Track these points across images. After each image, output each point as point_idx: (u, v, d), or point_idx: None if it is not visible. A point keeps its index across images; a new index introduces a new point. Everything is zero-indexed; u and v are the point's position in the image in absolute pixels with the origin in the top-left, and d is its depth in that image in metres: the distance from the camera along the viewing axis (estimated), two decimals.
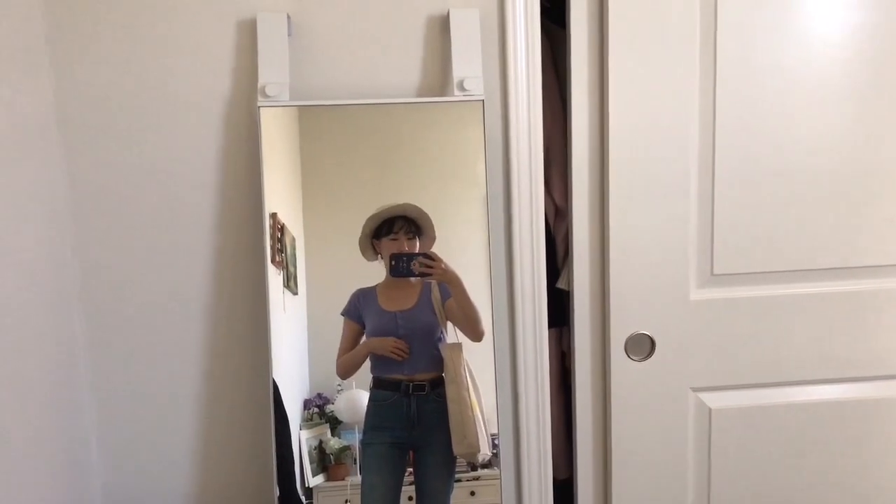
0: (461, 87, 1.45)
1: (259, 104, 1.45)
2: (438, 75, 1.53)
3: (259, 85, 1.44)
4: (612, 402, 1.63)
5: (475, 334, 1.48)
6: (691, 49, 1.51)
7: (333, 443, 1.52)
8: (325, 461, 1.52)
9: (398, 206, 1.47)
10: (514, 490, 1.66)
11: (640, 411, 1.64)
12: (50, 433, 1.44)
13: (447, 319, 1.48)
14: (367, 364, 1.50)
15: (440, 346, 1.48)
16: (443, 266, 1.45)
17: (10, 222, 1.32)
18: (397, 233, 1.47)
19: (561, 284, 1.71)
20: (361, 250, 1.48)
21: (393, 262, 1.46)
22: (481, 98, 1.46)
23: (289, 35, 1.47)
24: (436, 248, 1.48)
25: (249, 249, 1.56)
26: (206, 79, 1.50)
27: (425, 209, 1.48)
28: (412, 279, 1.47)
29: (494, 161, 1.54)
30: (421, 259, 1.45)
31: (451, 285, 1.45)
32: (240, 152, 1.53)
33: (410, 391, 1.47)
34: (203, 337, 1.59)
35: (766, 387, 1.65)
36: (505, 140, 1.54)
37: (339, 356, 1.49)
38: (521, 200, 1.55)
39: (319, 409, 1.52)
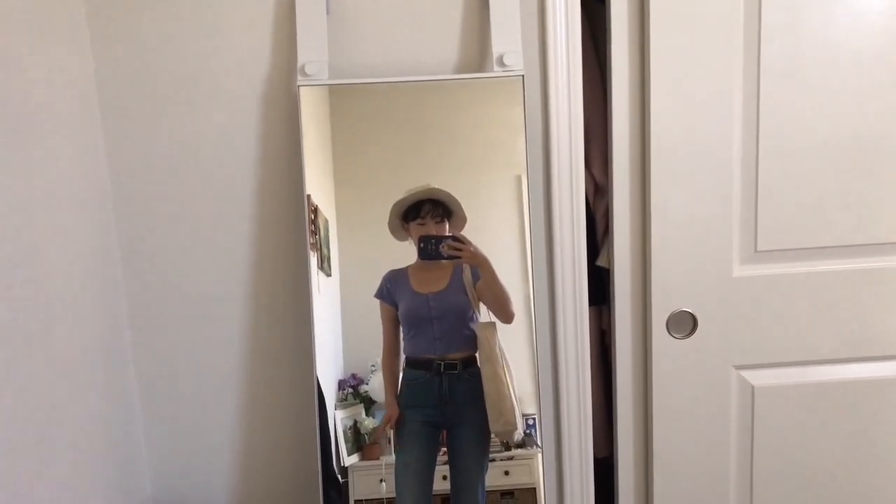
0: (500, 63, 1.44)
1: (299, 83, 1.44)
2: (476, 52, 1.51)
3: (298, 64, 1.44)
4: (654, 380, 1.62)
5: (505, 316, 1.47)
6: (735, 21, 1.48)
7: (368, 422, 1.53)
8: (359, 441, 1.53)
9: (424, 189, 1.47)
10: (555, 468, 1.66)
11: (682, 389, 1.63)
12: (97, 405, 1.46)
13: (479, 300, 1.48)
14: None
15: (473, 325, 1.48)
16: (472, 249, 1.44)
17: (54, 205, 1.34)
18: (424, 217, 1.46)
19: (601, 262, 1.69)
20: (392, 232, 1.48)
21: (422, 245, 1.45)
22: (521, 73, 1.45)
23: (327, 13, 1.46)
24: (467, 230, 1.47)
25: (289, 230, 1.57)
26: (245, 58, 1.50)
27: (457, 191, 1.47)
28: (443, 261, 1.47)
29: (533, 138, 1.53)
30: (449, 242, 1.44)
31: (481, 268, 1.45)
32: (278, 132, 1.53)
33: (442, 370, 1.47)
34: (244, 319, 1.60)
35: (810, 364, 1.62)
36: (545, 116, 1.52)
37: (384, 340, 1.50)
38: (562, 177, 1.53)
39: (354, 390, 1.53)
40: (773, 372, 1.63)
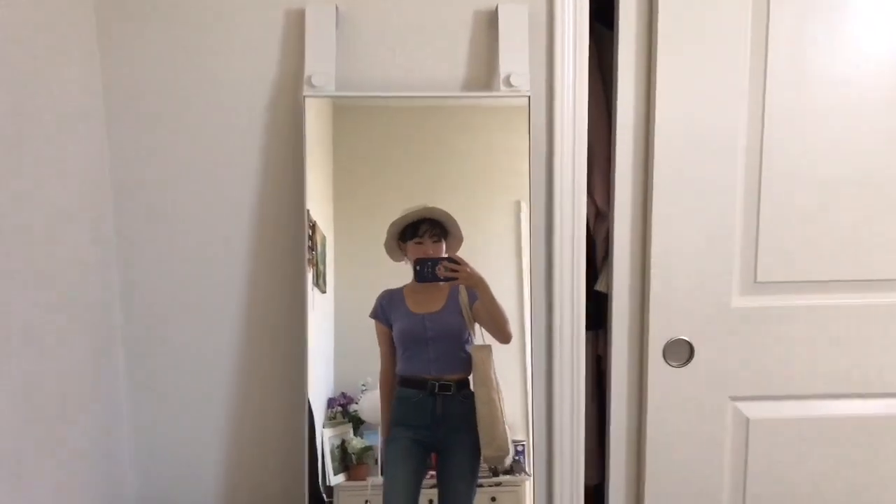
0: (507, 83, 1.44)
1: (305, 94, 1.44)
2: (483, 72, 1.52)
3: (305, 75, 1.44)
4: (648, 408, 1.61)
5: (503, 336, 1.46)
6: (742, 54, 1.49)
7: (356, 442, 1.51)
8: (346, 460, 1.51)
9: (422, 209, 1.46)
10: (545, 495, 1.64)
11: (677, 419, 1.61)
12: (83, 411, 1.43)
13: (475, 322, 1.47)
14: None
15: (469, 348, 1.46)
16: (468, 270, 1.43)
17: (52, 209, 1.32)
18: (422, 236, 1.46)
19: (600, 287, 1.68)
20: (388, 252, 1.47)
21: (418, 268, 1.44)
22: (527, 94, 1.45)
23: (336, 26, 1.46)
24: (464, 252, 1.46)
25: (287, 244, 1.55)
26: (252, 67, 1.50)
27: (456, 212, 1.46)
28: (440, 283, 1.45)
29: (537, 159, 1.52)
30: (445, 263, 1.43)
31: (478, 289, 1.44)
32: (282, 143, 1.52)
33: (437, 391, 1.46)
34: (237, 332, 1.58)
35: (807, 398, 1.61)
36: (549, 139, 1.52)
37: (381, 362, 1.48)
38: (563, 201, 1.53)
39: (343, 409, 1.51)
40: (769, 405, 1.61)
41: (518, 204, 1.50)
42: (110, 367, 1.54)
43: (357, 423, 1.51)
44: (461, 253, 1.46)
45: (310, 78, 1.43)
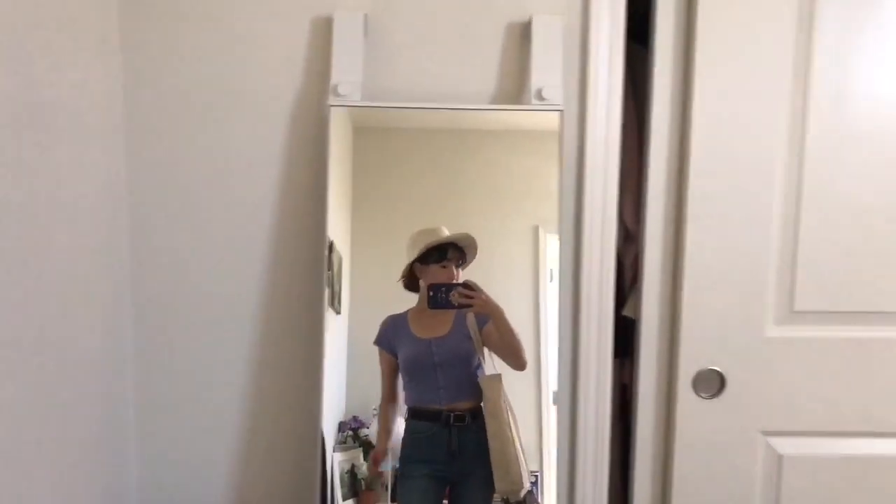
0: (539, 97, 1.39)
1: (330, 103, 1.40)
2: (513, 86, 1.47)
3: (331, 83, 1.40)
4: (676, 440, 1.53)
5: (518, 364, 1.40)
6: (783, 75, 1.44)
7: (366, 468, 1.46)
8: (356, 486, 1.45)
9: (457, 234, 1.42)
10: None
11: (705, 453, 1.54)
12: (89, 449, 1.39)
13: (485, 346, 1.41)
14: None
15: (478, 377, 1.41)
16: (483, 297, 1.38)
17: (64, 209, 1.28)
18: (450, 260, 1.41)
19: (627, 312, 1.62)
20: (403, 274, 1.42)
21: (431, 294, 1.39)
22: (560, 108, 1.40)
23: (364, 34, 1.42)
24: (479, 275, 1.41)
25: (307, 260, 1.50)
26: (277, 75, 1.46)
27: (474, 233, 1.43)
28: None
29: (566, 178, 1.47)
30: (460, 290, 1.38)
31: (493, 316, 1.38)
32: (304, 156, 1.48)
33: (451, 422, 1.40)
34: (252, 346, 1.54)
35: (846, 436, 1.53)
36: (580, 155, 1.47)
37: (382, 389, 1.43)
38: (594, 219, 1.48)
39: (354, 433, 1.46)
40: (803, 441, 1.54)
41: (536, 229, 1.46)
42: (117, 394, 1.49)
43: (368, 448, 1.45)
44: (476, 277, 1.40)
45: (335, 87, 1.39)
